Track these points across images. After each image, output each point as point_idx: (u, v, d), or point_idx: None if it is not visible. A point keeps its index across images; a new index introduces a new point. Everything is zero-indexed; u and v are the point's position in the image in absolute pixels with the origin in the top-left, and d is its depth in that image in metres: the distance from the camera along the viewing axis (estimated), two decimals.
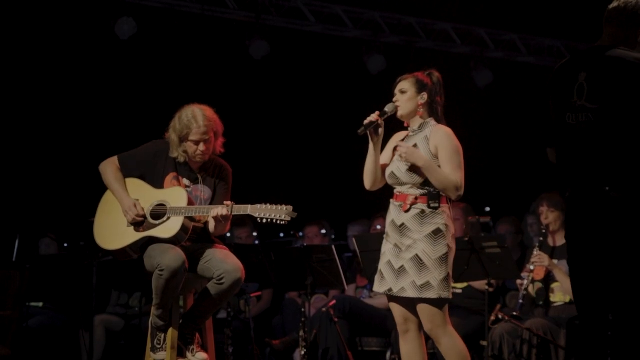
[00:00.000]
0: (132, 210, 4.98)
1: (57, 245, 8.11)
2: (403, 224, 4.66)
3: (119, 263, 5.45)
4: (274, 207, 4.83)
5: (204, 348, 5.06)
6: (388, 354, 7.03)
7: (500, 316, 6.26)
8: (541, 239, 6.47)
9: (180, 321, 5.01)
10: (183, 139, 5.04)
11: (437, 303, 4.60)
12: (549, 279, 6.43)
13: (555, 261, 6.40)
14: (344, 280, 6.73)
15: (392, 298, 4.75)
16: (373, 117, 4.72)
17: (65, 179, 8.72)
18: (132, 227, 5.01)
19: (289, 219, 4.81)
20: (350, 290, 7.44)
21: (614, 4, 3.89)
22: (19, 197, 8.67)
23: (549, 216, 6.51)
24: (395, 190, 4.77)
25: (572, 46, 10.36)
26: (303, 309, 6.68)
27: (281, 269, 6.89)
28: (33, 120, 8.79)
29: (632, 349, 3.76)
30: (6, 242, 7.71)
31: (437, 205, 4.62)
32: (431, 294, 4.57)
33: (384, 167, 4.83)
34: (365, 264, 6.64)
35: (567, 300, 6.33)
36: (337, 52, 9.73)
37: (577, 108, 3.84)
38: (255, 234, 8.09)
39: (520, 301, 6.35)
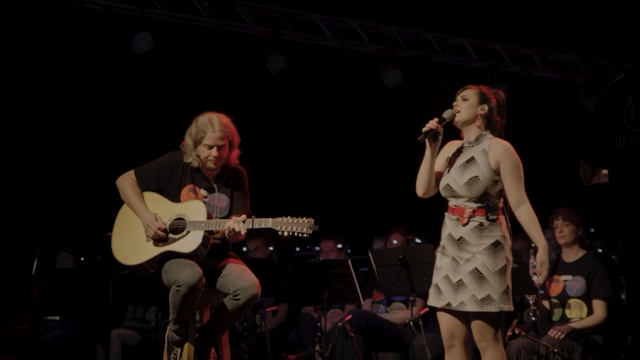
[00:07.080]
0: (154, 224, 4.97)
1: (74, 260, 8.14)
2: (461, 238, 4.64)
3: (135, 277, 5.45)
4: (295, 220, 4.83)
5: None
6: None
7: (517, 331, 6.24)
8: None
9: (197, 335, 5.01)
10: (197, 143, 5.04)
11: (496, 316, 4.61)
12: (565, 294, 6.40)
13: (569, 277, 6.38)
14: (360, 294, 6.71)
15: (442, 311, 4.72)
16: (432, 124, 4.67)
17: (82, 193, 8.74)
18: (151, 242, 5.00)
19: (310, 231, 4.81)
20: (366, 304, 7.42)
21: None
22: (36, 211, 8.70)
23: (563, 230, 6.47)
24: (450, 203, 4.73)
25: (589, 60, 10.34)
26: (319, 324, 6.67)
27: (297, 283, 6.89)
28: (51, 135, 8.83)
29: None
30: (24, 256, 7.74)
31: (495, 217, 4.62)
32: (492, 308, 4.57)
33: (437, 175, 4.79)
34: (381, 279, 6.63)
35: (584, 315, 6.30)
36: (353, 67, 9.74)
37: (626, 132, 3.81)
38: (271, 248, 8.08)
39: (533, 318, 6.33)
